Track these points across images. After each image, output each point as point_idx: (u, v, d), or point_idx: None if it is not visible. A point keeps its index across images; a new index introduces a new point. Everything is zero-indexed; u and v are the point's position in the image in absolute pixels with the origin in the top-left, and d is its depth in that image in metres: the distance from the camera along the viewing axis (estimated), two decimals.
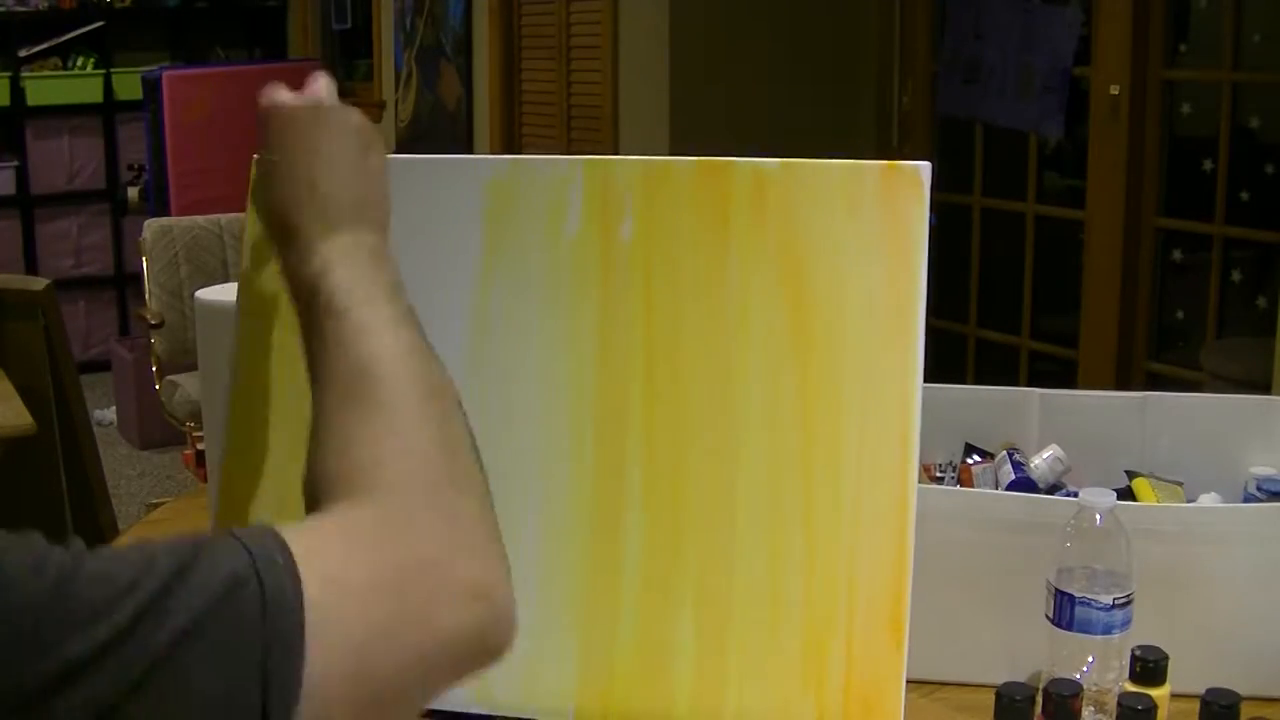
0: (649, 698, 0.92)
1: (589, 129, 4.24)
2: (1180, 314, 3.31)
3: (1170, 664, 1.09)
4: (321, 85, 0.91)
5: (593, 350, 0.98)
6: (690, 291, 0.97)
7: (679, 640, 0.92)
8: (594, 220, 0.99)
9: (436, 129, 5.12)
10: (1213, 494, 1.36)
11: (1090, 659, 1.11)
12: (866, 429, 0.93)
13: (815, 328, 0.94)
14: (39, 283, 3.40)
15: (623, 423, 0.96)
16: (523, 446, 0.97)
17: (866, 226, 0.95)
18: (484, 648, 0.65)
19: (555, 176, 1.01)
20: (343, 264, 0.80)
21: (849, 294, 0.94)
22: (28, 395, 2.90)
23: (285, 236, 0.83)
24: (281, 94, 0.89)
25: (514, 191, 1.01)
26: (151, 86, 5.24)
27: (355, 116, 0.89)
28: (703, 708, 0.91)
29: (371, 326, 0.76)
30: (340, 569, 0.61)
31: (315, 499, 0.70)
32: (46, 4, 5.84)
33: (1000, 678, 1.08)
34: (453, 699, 0.94)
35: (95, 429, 3.83)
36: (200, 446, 1.77)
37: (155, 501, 3.96)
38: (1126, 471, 1.39)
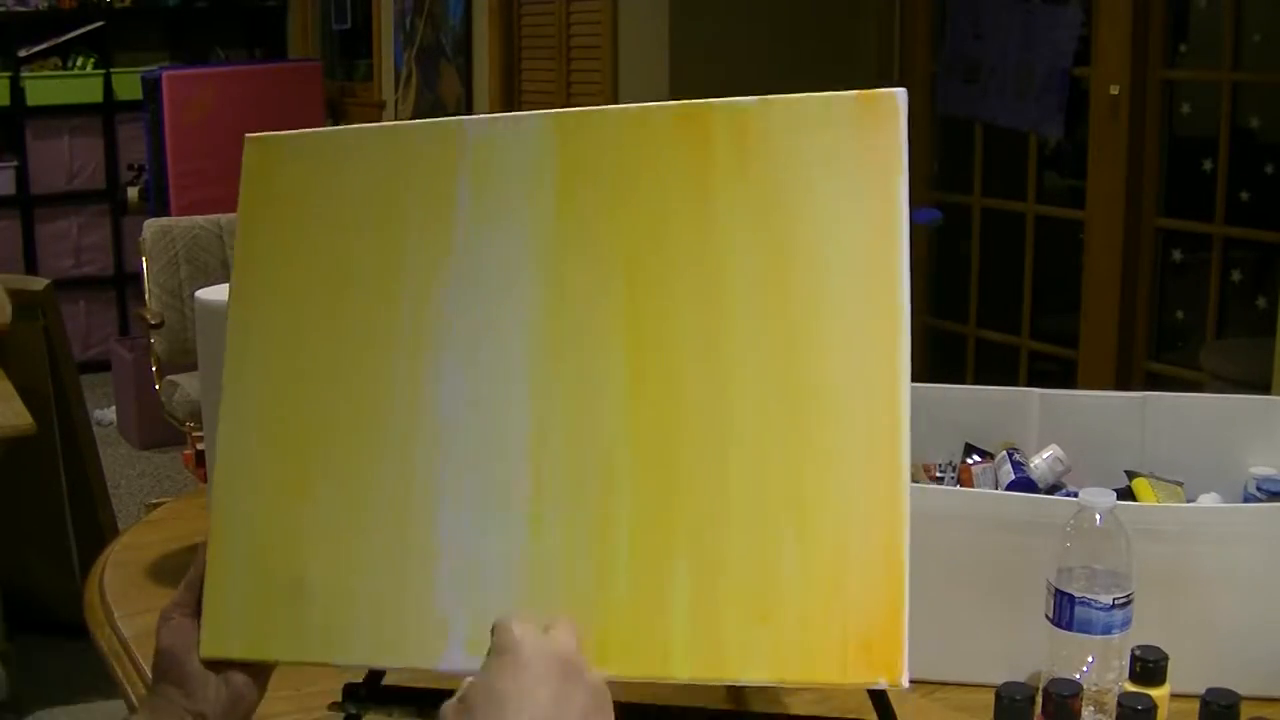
0: (646, 641, 0.92)
1: None
2: (1180, 314, 3.31)
3: (1170, 664, 1.09)
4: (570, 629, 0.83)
5: (575, 308, 0.98)
6: (674, 242, 0.97)
7: (674, 583, 0.92)
8: (575, 174, 1.00)
9: None
10: (1213, 494, 1.36)
11: (1090, 659, 1.11)
12: (853, 361, 0.93)
13: (799, 266, 0.95)
14: (39, 283, 3.40)
15: (607, 380, 0.96)
16: (507, 404, 0.97)
17: (844, 156, 0.96)
18: None
19: (533, 131, 1.01)
20: None
21: (830, 227, 0.95)
22: (28, 395, 2.90)
23: None
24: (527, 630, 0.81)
25: (493, 147, 1.02)
26: (151, 86, 5.24)
27: (602, 682, 0.81)
28: (701, 646, 0.91)
29: None
30: None
31: None
32: (46, 4, 5.84)
33: (1000, 678, 1.08)
34: (449, 658, 0.94)
35: (95, 429, 3.83)
36: (200, 446, 1.77)
37: (155, 501, 3.96)
38: (1126, 471, 1.39)
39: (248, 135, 1.08)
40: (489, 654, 0.81)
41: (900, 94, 0.96)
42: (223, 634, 0.96)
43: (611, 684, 0.87)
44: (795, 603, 0.90)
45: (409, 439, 0.99)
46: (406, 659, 0.95)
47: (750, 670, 0.91)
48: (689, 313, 0.96)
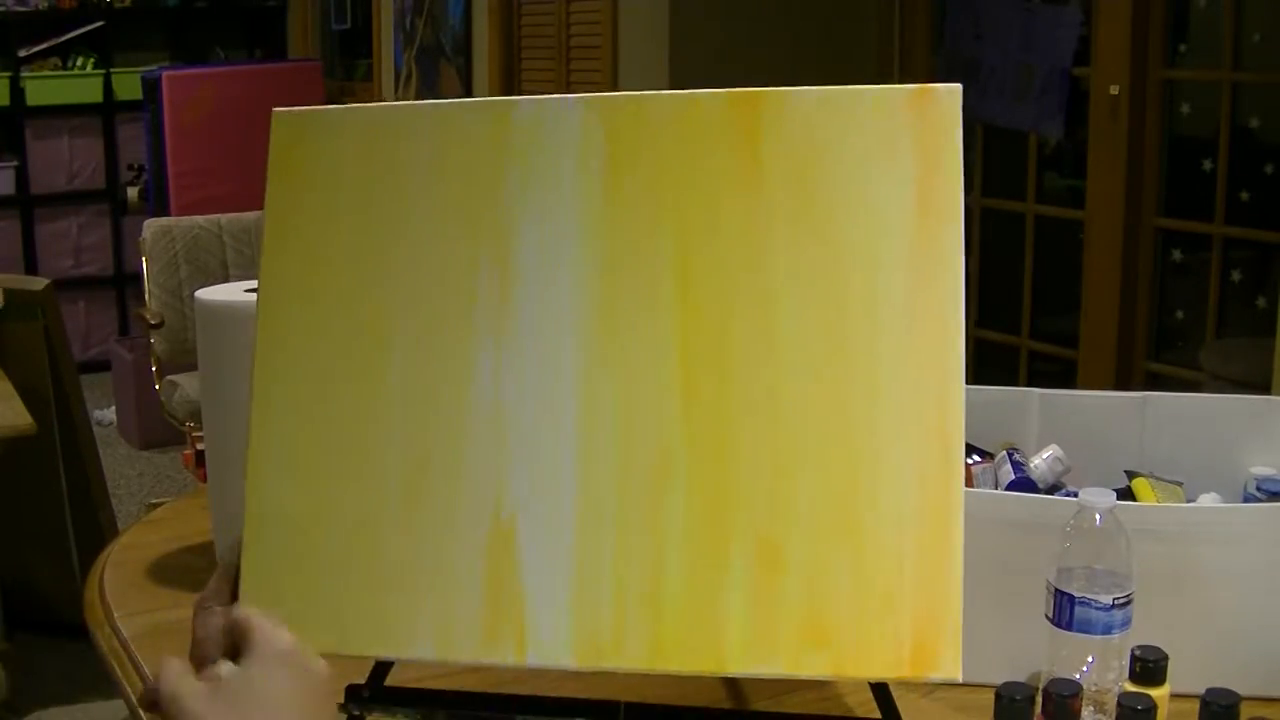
0: (701, 640, 0.91)
1: None
2: (1180, 314, 3.31)
3: (1170, 664, 1.09)
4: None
5: (625, 299, 0.96)
6: (725, 233, 0.95)
7: (730, 583, 0.91)
8: (624, 159, 0.98)
9: None
10: (1213, 494, 1.36)
11: (1090, 659, 1.11)
12: (908, 366, 0.92)
13: (852, 265, 0.93)
14: (39, 283, 3.40)
15: (658, 376, 0.95)
16: (559, 397, 0.96)
17: (900, 151, 0.94)
18: None
19: (581, 114, 0.99)
20: None
21: (884, 225, 0.93)
22: (28, 395, 2.90)
23: None
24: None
25: (540, 130, 1.00)
26: (151, 86, 5.24)
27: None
28: (758, 646, 0.90)
29: None
30: None
31: None
32: (46, 4, 5.84)
33: (1000, 678, 1.08)
34: (495, 651, 0.93)
35: (95, 429, 3.82)
36: (200, 446, 1.77)
37: (155, 501, 3.96)
38: (1126, 471, 1.38)
39: (276, 110, 1.04)
40: (257, 656, 0.81)
41: (956, 89, 0.94)
42: None
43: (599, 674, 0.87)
44: (852, 606, 0.90)
45: (457, 429, 0.97)
46: (476, 654, 0.93)
47: (806, 666, 0.90)
48: (741, 309, 0.94)
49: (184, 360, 3.87)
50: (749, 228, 0.95)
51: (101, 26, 5.93)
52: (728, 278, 0.95)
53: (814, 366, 0.93)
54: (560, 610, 0.93)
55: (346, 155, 1.02)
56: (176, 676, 0.79)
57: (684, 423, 0.94)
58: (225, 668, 0.81)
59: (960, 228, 0.93)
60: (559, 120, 0.99)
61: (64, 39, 5.89)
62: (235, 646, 0.82)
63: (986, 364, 3.72)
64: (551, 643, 0.92)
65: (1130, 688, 1.08)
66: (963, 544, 0.90)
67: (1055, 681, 1.05)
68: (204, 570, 1.47)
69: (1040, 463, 1.36)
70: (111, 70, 5.94)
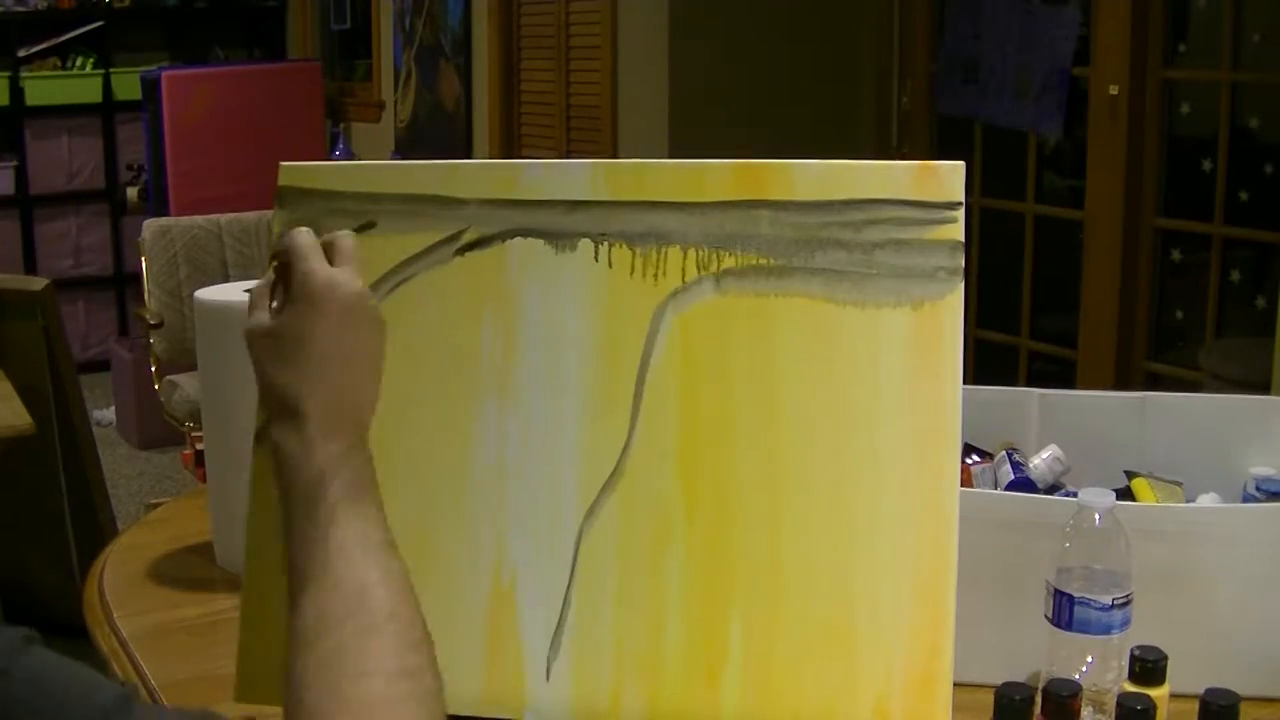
0: (695, 707, 0.91)
1: (588, 129, 4.23)
2: (1179, 314, 3.31)
3: (1170, 664, 1.09)
4: (348, 247, 0.88)
5: (629, 368, 0.97)
6: (728, 302, 0.96)
7: (727, 648, 0.92)
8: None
9: (435, 129, 5.12)
10: (1212, 494, 1.36)
11: (1089, 659, 1.11)
12: (907, 430, 0.92)
13: (853, 336, 0.94)
14: (38, 282, 3.40)
15: (663, 441, 0.95)
16: (559, 473, 0.96)
17: (906, 231, 0.94)
18: None
19: (586, 179, 1.00)
20: (343, 470, 0.81)
21: (886, 304, 0.94)
22: (27, 395, 2.90)
23: (288, 418, 0.83)
24: (304, 241, 0.87)
25: (545, 193, 1.00)
26: (150, 86, 5.24)
27: (378, 310, 0.88)
28: (751, 711, 0.91)
29: (369, 549, 0.78)
30: None
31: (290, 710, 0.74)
32: (46, 4, 5.83)
33: (999, 678, 1.08)
34: (494, 711, 0.93)
35: (95, 429, 3.82)
36: (199, 446, 1.77)
37: (154, 501, 3.95)
38: (1126, 471, 1.38)
39: (283, 164, 1.05)
40: (293, 298, 0.86)
41: (958, 167, 0.95)
42: (259, 682, 0.95)
43: None
44: (843, 709, 0.90)
45: (459, 490, 0.97)
46: (475, 713, 0.94)
47: None
48: (741, 380, 0.95)
49: (184, 360, 3.87)
50: (752, 300, 0.96)
51: (101, 26, 5.92)
52: (729, 344, 0.96)
53: (814, 439, 0.94)
54: (560, 673, 0.93)
55: (349, 210, 1.03)
56: (254, 309, 0.88)
57: (684, 493, 0.94)
58: (279, 305, 0.87)
59: (959, 311, 0.94)
60: (565, 184, 1.00)
61: (63, 39, 5.88)
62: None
63: (986, 364, 3.73)
64: (550, 705, 0.93)
65: (1130, 688, 1.08)
66: (953, 645, 0.90)
67: (1055, 681, 1.05)
68: (204, 570, 1.47)
69: (1039, 463, 1.36)
70: (111, 70, 5.94)
